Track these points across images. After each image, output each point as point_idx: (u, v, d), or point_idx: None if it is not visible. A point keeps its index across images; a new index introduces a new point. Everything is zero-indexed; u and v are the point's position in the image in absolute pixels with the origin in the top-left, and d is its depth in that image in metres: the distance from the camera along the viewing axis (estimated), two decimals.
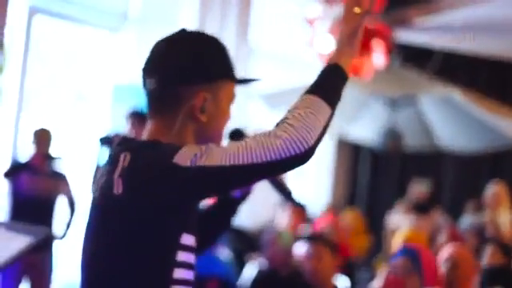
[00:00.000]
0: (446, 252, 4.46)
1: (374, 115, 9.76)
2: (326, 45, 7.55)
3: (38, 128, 6.39)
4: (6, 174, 6.27)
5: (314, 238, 5.13)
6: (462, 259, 4.36)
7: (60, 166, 6.40)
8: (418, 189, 9.54)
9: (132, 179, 1.93)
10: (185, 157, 1.87)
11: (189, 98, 2.04)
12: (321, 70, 2.06)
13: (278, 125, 1.92)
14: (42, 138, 6.35)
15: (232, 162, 1.84)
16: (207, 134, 2.07)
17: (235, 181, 1.91)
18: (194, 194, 1.93)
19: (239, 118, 8.75)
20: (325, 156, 11.15)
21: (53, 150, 6.37)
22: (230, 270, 6.00)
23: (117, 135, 5.62)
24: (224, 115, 2.10)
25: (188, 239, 1.96)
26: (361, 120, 10.03)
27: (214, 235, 2.38)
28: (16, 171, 6.26)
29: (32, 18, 7.12)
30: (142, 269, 1.91)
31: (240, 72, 8.25)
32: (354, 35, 2.08)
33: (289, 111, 1.94)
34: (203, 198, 1.99)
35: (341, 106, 7.23)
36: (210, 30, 8.34)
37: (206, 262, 5.63)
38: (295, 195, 2.34)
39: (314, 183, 11.07)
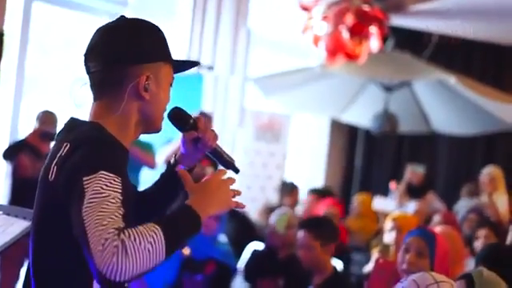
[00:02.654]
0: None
1: (369, 99, 9.78)
2: (320, 30, 7.59)
3: (42, 110, 6.36)
4: (5, 155, 6.21)
5: (308, 227, 5.10)
6: (452, 242, 4.38)
7: None
8: (413, 172, 9.58)
9: (61, 171, 2.02)
10: (92, 182, 1.91)
11: (132, 78, 2.14)
12: (180, 207, 2.06)
13: (125, 232, 1.86)
14: (47, 119, 6.30)
15: (87, 230, 1.84)
16: (150, 113, 2.20)
17: (77, 237, 1.90)
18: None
19: (237, 102, 8.79)
20: (320, 138, 11.19)
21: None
22: (227, 253, 6.05)
23: None
24: (165, 95, 2.23)
25: None
26: (356, 103, 10.06)
27: (160, 205, 2.50)
28: (15, 152, 6.18)
29: (31, 5, 7.11)
30: (68, 253, 2.03)
31: (239, 58, 8.25)
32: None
33: (138, 231, 1.88)
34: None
35: (337, 90, 7.27)
36: (209, 15, 8.38)
37: (203, 246, 5.69)
38: (235, 163, 2.44)
39: (309, 165, 11.12)
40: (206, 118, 6.40)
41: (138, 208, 2.30)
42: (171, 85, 2.27)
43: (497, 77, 10.64)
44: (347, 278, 5.48)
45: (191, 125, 2.40)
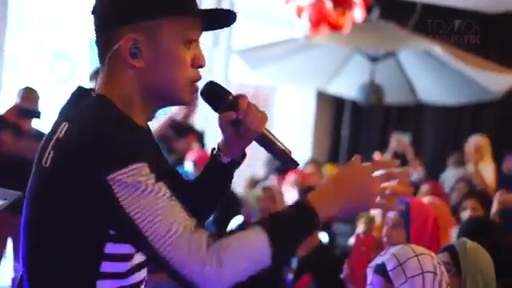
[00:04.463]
0: None
1: (354, 69, 9.74)
2: (303, 0, 7.50)
3: (23, 87, 6.26)
4: None
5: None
6: (438, 212, 4.35)
7: (40, 125, 6.23)
8: (399, 141, 9.56)
9: (60, 157, 1.73)
10: (117, 181, 1.65)
11: (116, 41, 1.81)
12: (294, 205, 1.80)
13: (223, 242, 1.68)
14: (26, 96, 6.20)
15: (147, 234, 1.64)
16: (154, 82, 1.84)
17: (138, 248, 1.72)
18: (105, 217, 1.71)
19: (221, 75, 8.73)
20: (306, 110, 11.14)
21: (37, 109, 6.16)
22: (209, 226, 6.03)
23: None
24: (173, 58, 1.83)
25: (118, 248, 1.75)
26: (342, 74, 10.01)
27: (208, 204, 2.17)
28: None
29: None
30: (67, 247, 1.74)
31: (221, 31, 8.14)
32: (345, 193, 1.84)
33: (237, 236, 1.70)
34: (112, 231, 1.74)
35: (322, 61, 7.23)
36: None
37: None
38: (291, 154, 2.01)
39: (296, 137, 11.08)
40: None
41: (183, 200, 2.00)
42: (194, 40, 1.86)
43: (482, 45, 10.58)
44: (332, 251, 5.46)
45: (229, 103, 1.95)
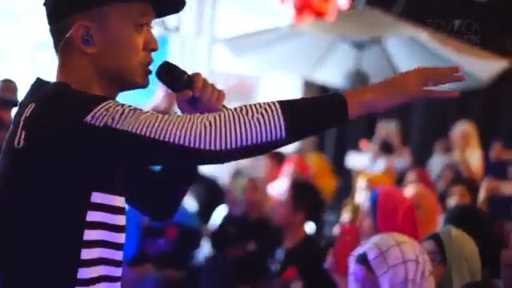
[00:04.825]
0: (407, 193, 4.45)
1: (340, 57, 9.67)
2: None
3: (2, 79, 6.20)
4: None
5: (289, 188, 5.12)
6: (424, 200, 4.35)
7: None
8: (386, 129, 9.53)
9: (34, 131, 1.77)
10: (98, 116, 1.70)
11: (67, 30, 1.87)
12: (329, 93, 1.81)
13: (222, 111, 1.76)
14: (5, 87, 6.14)
15: (142, 133, 1.69)
16: (109, 66, 1.88)
17: (144, 153, 1.74)
18: (104, 157, 1.75)
19: (205, 64, 8.68)
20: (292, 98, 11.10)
21: (17, 100, 6.13)
22: (189, 215, 5.99)
23: None
24: (124, 42, 1.88)
25: (103, 198, 1.80)
26: (327, 62, 9.95)
27: (177, 190, 2.18)
28: None
29: None
30: (47, 228, 1.77)
31: (204, 18, 8.10)
32: (393, 91, 1.83)
33: (244, 105, 1.75)
34: (118, 162, 1.80)
35: (307, 48, 7.19)
36: None
37: None
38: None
39: None
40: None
41: (151, 188, 2.10)
42: (144, 25, 1.91)
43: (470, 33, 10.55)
44: (318, 242, 5.43)
45: (185, 82, 1.98)
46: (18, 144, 1.77)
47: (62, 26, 1.87)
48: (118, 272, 1.90)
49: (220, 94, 1.98)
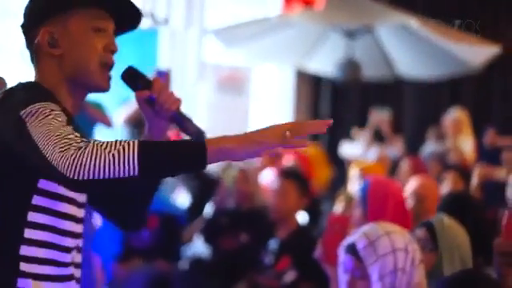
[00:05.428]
0: (410, 186, 4.46)
1: (331, 46, 9.65)
2: None
3: None
4: None
5: (285, 174, 5.14)
6: (428, 192, 4.37)
7: None
8: (379, 117, 9.50)
9: None
10: (28, 112, 1.89)
11: (36, 36, 2.12)
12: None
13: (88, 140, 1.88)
14: None
15: (36, 139, 1.85)
16: (72, 67, 2.11)
17: (29, 157, 1.88)
18: None
19: (195, 56, 8.64)
20: (285, 89, 11.09)
21: None
22: (166, 202, 5.98)
23: None
24: (82, 44, 2.12)
25: (50, 185, 2.00)
26: (318, 52, 9.93)
27: (145, 189, 2.26)
28: None
29: None
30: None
31: (194, 9, 8.05)
32: (252, 143, 1.87)
33: (111, 140, 1.85)
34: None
35: (298, 38, 7.14)
36: None
37: None
38: (203, 134, 2.16)
39: (276, 117, 11.01)
40: (164, 76, 6.19)
41: (117, 195, 2.21)
42: (102, 29, 2.15)
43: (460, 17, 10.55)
44: (311, 232, 5.43)
45: (143, 83, 2.18)
46: None
47: (31, 35, 2.14)
48: (66, 258, 2.09)
49: (176, 100, 2.16)
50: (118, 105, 6.97)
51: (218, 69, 9.27)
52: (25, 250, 2.00)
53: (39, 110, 1.89)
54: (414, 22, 8.28)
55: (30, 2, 2.16)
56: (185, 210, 6.53)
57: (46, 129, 1.85)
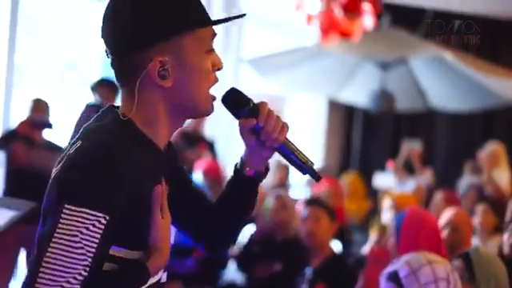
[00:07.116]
0: (445, 216, 4.48)
1: (365, 77, 9.72)
2: (314, 7, 7.49)
3: (33, 98, 6.27)
4: None
5: (313, 201, 5.18)
6: (461, 222, 4.37)
7: (51, 136, 6.23)
8: (409, 149, 9.53)
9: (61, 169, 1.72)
10: (68, 218, 1.63)
11: (142, 65, 1.75)
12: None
13: None
14: (37, 107, 6.20)
15: (38, 259, 1.65)
16: (180, 100, 1.80)
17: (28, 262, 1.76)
18: None
19: (231, 85, 8.73)
20: (317, 119, 11.12)
21: (49, 120, 6.16)
22: None
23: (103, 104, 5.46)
24: (197, 71, 1.80)
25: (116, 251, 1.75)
26: (352, 82, 10.00)
27: (235, 222, 2.08)
28: (7, 141, 5.98)
29: None
30: None
31: (231, 38, 8.16)
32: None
33: None
34: None
35: (333, 69, 7.20)
36: None
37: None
38: (312, 166, 1.99)
39: (307, 146, 11.05)
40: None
41: (207, 219, 2.03)
42: (212, 50, 1.83)
43: (494, 51, 10.55)
44: (345, 260, 5.44)
45: (250, 110, 1.89)
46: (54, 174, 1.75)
47: (133, 60, 1.77)
48: None
49: (284, 126, 1.92)
50: None
51: (254, 97, 9.34)
52: None
53: (78, 224, 1.63)
54: (447, 55, 8.31)
55: (129, 23, 1.76)
56: None
57: (59, 262, 1.63)
